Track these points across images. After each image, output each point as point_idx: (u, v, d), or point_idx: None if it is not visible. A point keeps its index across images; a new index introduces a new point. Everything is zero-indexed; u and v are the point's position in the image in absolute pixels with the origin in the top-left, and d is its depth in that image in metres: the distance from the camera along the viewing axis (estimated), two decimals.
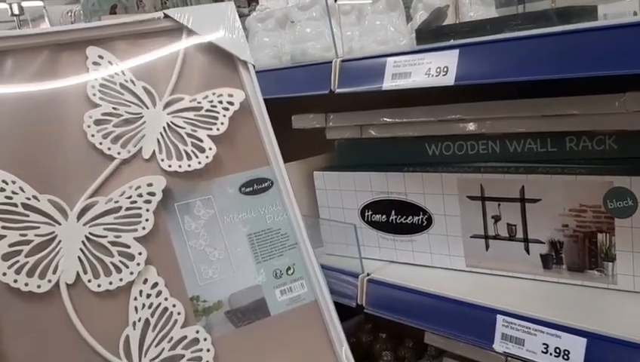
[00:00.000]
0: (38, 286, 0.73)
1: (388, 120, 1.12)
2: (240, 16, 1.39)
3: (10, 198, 0.75)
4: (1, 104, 0.79)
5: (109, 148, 0.82)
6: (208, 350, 0.79)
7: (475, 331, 0.91)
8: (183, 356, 0.78)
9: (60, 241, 0.76)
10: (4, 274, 0.72)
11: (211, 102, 0.90)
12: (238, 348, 0.82)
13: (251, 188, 0.90)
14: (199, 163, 0.86)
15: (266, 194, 0.91)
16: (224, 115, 0.90)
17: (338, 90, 1.02)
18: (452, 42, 0.89)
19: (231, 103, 0.91)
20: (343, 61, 1.02)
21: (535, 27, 0.82)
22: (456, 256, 1.05)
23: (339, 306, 1.26)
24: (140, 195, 0.81)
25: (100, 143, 0.82)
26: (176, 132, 0.87)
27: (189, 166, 0.85)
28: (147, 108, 0.86)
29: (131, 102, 0.86)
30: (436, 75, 0.87)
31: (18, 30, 0.85)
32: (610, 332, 0.78)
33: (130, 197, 0.81)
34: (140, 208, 0.81)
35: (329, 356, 0.87)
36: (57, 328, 0.74)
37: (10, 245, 0.73)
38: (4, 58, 0.80)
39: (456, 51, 0.86)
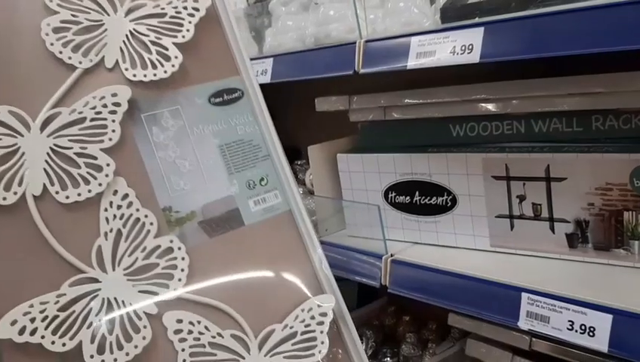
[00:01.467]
0: (4, 199, 0.71)
1: (411, 101, 1.12)
2: (262, 0, 1.39)
3: None
4: None
5: (70, 58, 0.78)
6: (183, 258, 0.78)
7: (500, 309, 0.91)
8: (157, 264, 0.77)
9: (23, 153, 0.73)
10: None
11: (175, 7, 0.85)
12: (213, 257, 0.81)
13: (221, 99, 0.87)
14: (165, 72, 0.82)
15: (236, 104, 0.88)
16: (189, 22, 0.85)
17: (362, 71, 1.02)
18: (477, 20, 0.89)
19: (196, 10, 0.86)
20: (367, 41, 1.03)
21: (560, 3, 0.82)
22: (481, 236, 1.05)
23: (362, 288, 1.28)
24: (105, 106, 0.78)
25: (60, 52, 0.78)
26: (139, 40, 0.83)
27: (155, 75, 0.82)
28: (108, 14, 0.82)
29: (91, 9, 0.81)
30: (461, 53, 0.87)
31: None
32: (636, 309, 0.78)
33: (94, 107, 0.77)
34: (106, 119, 0.78)
35: (304, 260, 0.87)
36: (27, 240, 0.72)
37: None
38: None
39: (481, 29, 0.86)
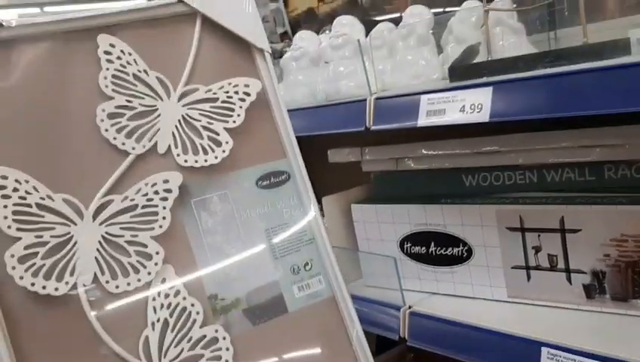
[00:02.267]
0: (56, 289, 0.71)
1: (424, 152, 1.14)
2: (273, 52, 1.42)
3: (24, 199, 0.72)
4: (10, 98, 0.75)
5: (124, 143, 0.78)
6: (227, 349, 0.77)
7: None
8: (202, 356, 0.76)
9: (76, 242, 0.73)
10: (22, 277, 0.70)
11: (227, 92, 0.86)
12: (257, 346, 0.80)
13: (268, 182, 0.87)
14: (216, 157, 0.83)
15: (282, 187, 0.87)
16: (240, 107, 0.85)
17: (374, 128, 1.04)
18: (485, 79, 0.90)
19: (247, 94, 0.86)
20: (377, 99, 1.04)
21: (568, 64, 0.83)
22: (498, 286, 1.05)
23: (380, 337, 1.28)
24: (157, 192, 0.78)
25: (114, 138, 0.78)
26: (191, 125, 0.83)
27: (206, 161, 0.82)
28: (161, 100, 0.82)
29: (145, 94, 0.82)
30: (471, 112, 0.88)
31: (24, 18, 0.80)
32: None
33: (146, 194, 0.78)
34: (157, 206, 0.78)
35: (347, 350, 0.84)
36: (76, 331, 0.71)
37: (26, 247, 0.70)
38: (11, 48, 0.76)
39: (490, 88, 0.87)
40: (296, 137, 0.88)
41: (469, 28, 1.10)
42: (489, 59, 0.96)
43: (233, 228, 0.83)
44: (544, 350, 0.88)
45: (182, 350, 0.75)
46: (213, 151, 0.82)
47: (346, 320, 0.85)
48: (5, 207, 0.70)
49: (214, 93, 0.85)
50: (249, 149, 0.86)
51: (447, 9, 1.33)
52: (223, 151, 0.83)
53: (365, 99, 1.06)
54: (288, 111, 1.20)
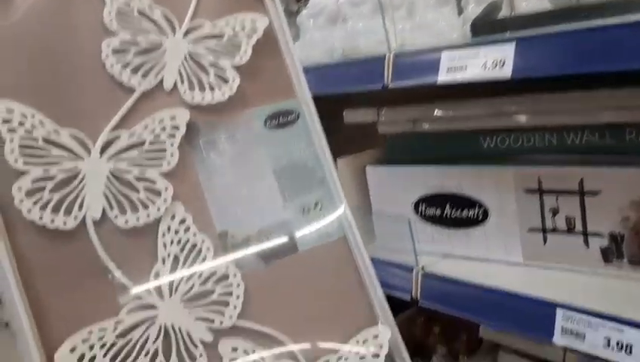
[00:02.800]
0: (64, 223, 0.70)
1: (441, 114, 1.12)
2: (289, 14, 1.40)
3: (30, 132, 0.71)
4: (14, 34, 0.74)
5: (129, 80, 0.77)
6: (238, 285, 0.77)
7: (534, 325, 0.90)
8: (213, 291, 0.75)
9: (83, 177, 0.72)
10: (29, 210, 0.69)
11: (233, 27, 0.83)
12: (268, 284, 0.79)
13: (277, 121, 0.85)
14: (223, 95, 0.81)
15: (292, 127, 0.86)
16: (247, 43, 0.83)
17: (392, 85, 1.02)
18: (508, 35, 0.88)
19: (254, 30, 0.84)
20: (396, 55, 1.03)
21: (593, 18, 0.81)
22: (513, 249, 1.04)
23: (391, 299, 1.27)
24: (164, 129, 0.77)
25: (120, 74, 0.77)
26: (197, 61, 0.81)
27: (213, 98, 0.80)
28: (167, 36, 0.81)
29: (150, 30, 0.80)
30: (492, 68, 0.86)
31: None
32: None
33: (153, 130, 0.76)
34: (164, 142, 0.77)
35: (359, 289, 0.84)
36: (86, 266, 0.71)
37: (34, 181, 0.70)
38: None
39: (513, 44, 0.85)
40: (312, 96, 0.87)
41: None
42: (512, 15, 0.94)
43: (242, 167, 0.82)
44: (559, 311, 0.87)
45: (193, 285, 0.75)
46: (220, 88, 0.81)
47: (357, 260, 0.84)
48: (11, 140, 0.70)
49: (220, 29, 0.83)
50: (257, 88, 0.84)
51: None
52: (230, 89, 0.81)
53: (384, 56, 1.04)
54: (304, 68, 1.19)
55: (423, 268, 1.09)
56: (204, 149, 0.80)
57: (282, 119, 0.85)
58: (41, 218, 0.69)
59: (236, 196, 0.81)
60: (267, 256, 0.80)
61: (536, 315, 0.90)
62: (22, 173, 0.69)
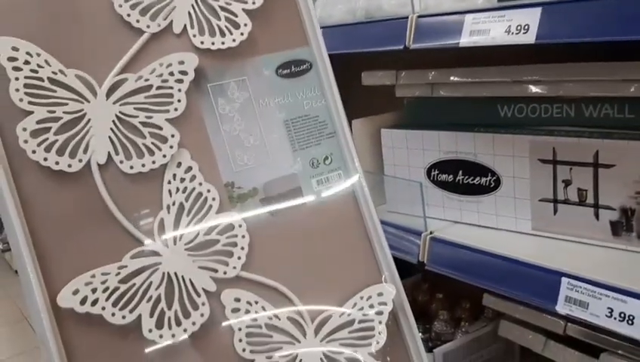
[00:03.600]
0: (69, 166, 0.69)
1: (460, 79, 1.12)
2: None
3: (36, 72, 0.69)
4: None
5: (138, 21, 0.75)
6: (243, 236, 0.76)
7: (538, 292, 0.91)
8: (217, 241, 0.75)
9: (89, 120, 0.71)
10: (34, 151, 0.68)
11: None
12: (273, 236, 0.78)
13: (288, 71, 0.83)
14: (234, 40, 0.78)
15: (304, 77, 0.83)
16: None
17: (413, 46, 1.02)
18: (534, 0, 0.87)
19: None
20: (419, 17, 1.02)
21: None
22: (523, 218, 1.05)
23: (397, 263, 1.28)
24: (172, 73, 0.75)
25: (128, 15, 0.75)
26: (208, 4, 0.79)
27: (223, 43, 0.78)
28: None
29: None
30: (516, 33, 0.86)
31: None
32: None
33: (160, 75, 0.75)
34: (172, 87, 0.75)
35: (365, 245, 0.84)
36: (90, 208, 0.70)
37: (38, 122, 0.68)
38: None
39: (539, 9, 0.84)
40: (331, 55, 0.86)
41: None
42: None
43: (251, 116, 0.80)
44: (564, 280, 0.88)
45: (197, 234, 0.74)
46: (231, 33, 0.79)
47: (365, 218, 0.84)
48: (17, 79, 0.68)
49: None
50: (269, 35, 0.82)
51: None
52: (242, 34, 0.79)
53: (407, 17, 1.03)
54: (325, 28, 1.18)
55: (431, 233, 1.09)
56: (213, 95, 0.79)
57: (294, 68, 0.83)
58: (45, 159, 0.68)
59: (244, 145, 0.80)
60: (274, 208, 0.80)
61: (541, 283, 0.91)
62: (27, 113, 0.68)
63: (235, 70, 0.80)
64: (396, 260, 1.15)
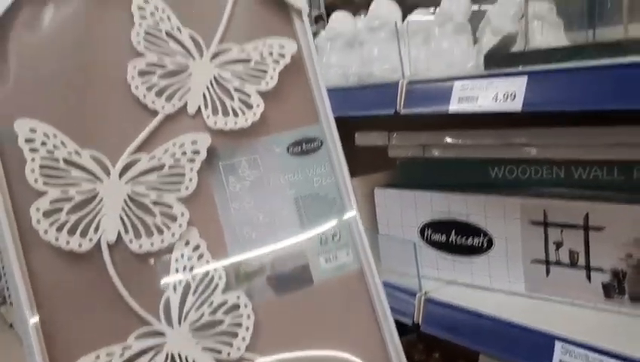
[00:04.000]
0: (80, 245, 0.69)
1: (452, 141, 1.14)
2: None
3: (52, 153, 0.70)
4: (40, 52, 0.73)
5: (153, 102, 0.76)
6: (249, 316, 0.75)
7: (532, 356, 0.91)
8: (223, 321, 0.74)
9: (101, 199, 0.72)
10: (46, 231, 0.68)
11: (261, 53, 0.82)
12: (279, 316, 0.77)
13: (300, 148, 0.83)
14: (246, 120, 0.79)
15: (314, 154, 0.83)
16: (274, 69, 0.81)
17: (404, 111, 1.04)
18: (520, 68, 0.90)
19: (282, 55, 0.82)
20: (409, 83, 1.04)
21: (606, 57, 0.83)
22: (516, 279, 1.05)
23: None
24: (184, 153, 0.76)
25: (144, 96, 0.76)
26: (223, 86, 0.80)
27: (236, 124, 0.79)
28: (194, 59, 0.79)
29: (177, 52, 0.79)
30: (504, 101, 0.88)
31: None
32: None
33: (173, 154, 0.76)
34: (184, 167, 0.75)
35: (373, 328, 0.81)
36: (98, 288, 0.70)
37: (52, 202, 0.69)
38: (44, 1, 0.74)
39: (525, 78, 0.87)
40: None
41: (507, 20, 1.09)
42: (526, 49, 0.96)
43: (261, 194, 0.80)
44: (558, 344, 0.88)
45: (202, 314, 0.73)
46: (244, 113, 0.79)
47: (372, 295, 0.82)
48: (33, 160, 0.69)
49: (248, 54, 0.82)
50: (281, 114, 0.82)
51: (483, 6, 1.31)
52: (254, 115, 0.80)
53: (397, 82, 1.06)
54: None
55: (425, 293, 1.10)
56: (224, 173, 0.79)
57: (305, 146, 0.84)
58: (57, 239, 0.69)
59: (253, 222, 0.79)
60: (281, 287, 0.79)
61: (535, 346, 0.91)
62: (41, 194, 0.69)
63: (246, 149, 0.81)
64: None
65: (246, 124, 0.79)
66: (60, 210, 0.70)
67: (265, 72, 0.81)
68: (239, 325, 0.75)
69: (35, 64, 0.73)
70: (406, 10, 1.26)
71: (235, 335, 0.74)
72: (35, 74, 0.73)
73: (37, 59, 0.73)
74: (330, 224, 0.83)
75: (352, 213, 0.84)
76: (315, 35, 1.42)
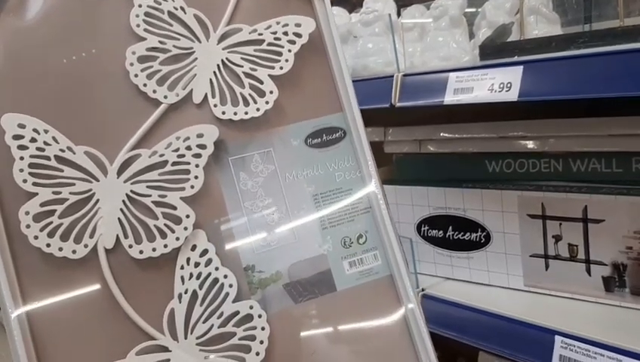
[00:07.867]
0: (74, 252, 0.64)
1: (447, 135, 1.12)
2: None
3: (43, 150, 0.64)
4: (29, 38, 0.67)
5: (155, 91, 0.69)
6: (263, 328, 0.67)
7: (532, 351, 0.89)
8: (234, 334, 0.67)
9: (97, 200, 0.65)
10: (36, 237, 0.63)
11: (275, 33, 0.74)
12: (298, 327, 0.70)
13: (319, 140, 0.75)
14: (257, 110, 0.72)
15: (336, 146, 0.75)
16: (289, 50, 0.73)
17: (399, 104, 1.02)
18: (516, 58, 0.88)
19: (298, 35, 0.74)
20: (404, 75, 1.03)
21: (601, 45, 0.81)
22: (515, 274, 1.03)
23: None
24: (189, 148, 0.69)
25: (145, 85, 0.69)
26: (232, 71, 0.73)
27: (246, 113, 0.71)
28: (199, 41, 0.72)
29: (181, 35, 0.72)
30: (499, 91, 0.86)
31: None
32: None
33: (177, 149, 0.68)
34: (189, 163, 0.68)
35: (405, 342, 0.72)
36: (95, 299, 0.65)
37: (42, 204, 0.63)
38: None
39: (520, 67, 0.85)
40: None
41: (503, 14, 1.08)
42: (521, 38, 0.95)
43: (277, 191, 0.73)
44: (558, 339, 0.86)
45: (211, 326, 0.67)
46: (255, 102, 0.72)
47: (406, 308, 0.73)
48: (21, 159, 0.64)
49: (260, 35, 0.74)
50: (298, 101, 0.74)
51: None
52: (267, 103, 0.72)
53: (392, 76, 1.04)
54: None
55: (422, 290, 1.08)
56: (234, 169, 0.72)
57: (326, 137, 0.76)
58: (48, 246, 0.63)
59: (268, 224, 0.72)
60: (299, 295, 0.71)
61: (535, 342, 0.89)
62: (30, 195, 0.63)
63: (259, 141, 0.73)
64: None
65: (257, 114, 0.72)
66: (52, 212, 0.64)
67: (279, 54, 0.74)
68: (252, 338, 0.68)
69: (23, 54, 0.67)
70: (401, 5, 1.25)
71: (249, 349, 0.67)
72: (23, 64, 0.67)
73: (25, 49, 0.67)
74: (354, 224, 0.75)
75: (380, 213, 0.75)
76: None
